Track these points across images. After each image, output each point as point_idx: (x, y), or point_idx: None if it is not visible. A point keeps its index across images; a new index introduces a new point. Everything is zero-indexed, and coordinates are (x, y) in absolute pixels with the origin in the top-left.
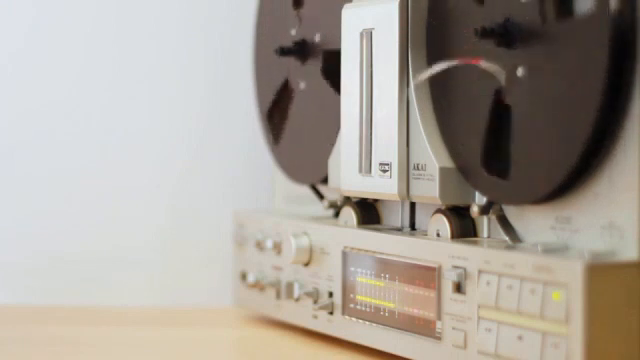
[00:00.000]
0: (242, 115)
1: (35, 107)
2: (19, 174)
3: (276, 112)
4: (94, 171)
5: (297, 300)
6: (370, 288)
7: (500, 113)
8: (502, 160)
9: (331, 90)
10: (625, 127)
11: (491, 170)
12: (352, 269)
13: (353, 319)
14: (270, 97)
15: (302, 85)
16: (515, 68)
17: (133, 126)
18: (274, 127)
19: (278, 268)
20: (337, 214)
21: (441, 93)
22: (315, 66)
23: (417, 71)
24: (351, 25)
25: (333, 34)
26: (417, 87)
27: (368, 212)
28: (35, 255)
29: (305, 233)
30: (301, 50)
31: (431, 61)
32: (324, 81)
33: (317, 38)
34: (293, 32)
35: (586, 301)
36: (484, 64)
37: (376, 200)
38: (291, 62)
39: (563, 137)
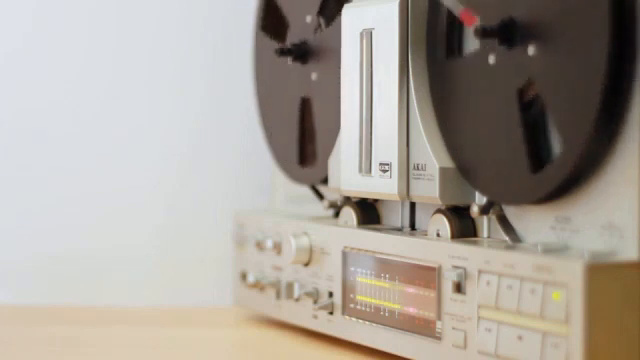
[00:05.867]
0: (242, 115)
1: (35, 107)
2: (19, 174)
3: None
4: (94, 171)
5: (297, 300)
6: (370, 288)
7: (500, 113)
8: (502, 160)
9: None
10: (625, 127)
11: (491, 170)
12: (352, 269)
13: (353, 319)
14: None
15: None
16: (504, 61)
17: (133, 126)
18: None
19: (278, 268)
20: (337, 214)
21: (441, 92)
22: (315, 67)
23: (417, 70)
24: (351, 25)
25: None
26: None
27: (368, 212)
28: (35, 255)
29: (305, 233)
30: (301, 52)
31: (431, 60)
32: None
33: (314, 74)
34: (308, 19)
35: (586, 301)
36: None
37: (376, 200)
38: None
39: (563, 137)
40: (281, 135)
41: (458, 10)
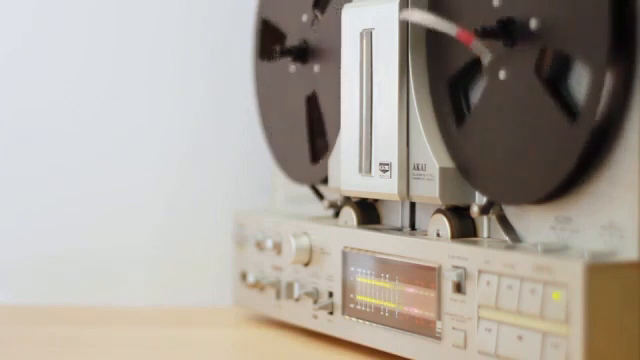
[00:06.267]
0: (242, 115)
1: (35, 106)
2: (19, 173)
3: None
4: (94, 171)
5: (297, 300)
6: (370, 288)
7: (500, 113)
8: (502, 160)
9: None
10: (625, 127)
11: (491, 170)
12: (352, 269)
13: (353, 319)
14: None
15: (294, 69)
16: (514, 67)
17: (133, 126)
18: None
19: (278, 268)
20: (337, 214)
21: (441, 92)
22: (309, 79)
23: (417, 70)
24: (351, 25)
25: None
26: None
27: (368, 212)
28: (35, 255)
29: (305, 233)
30: (302, 53)
31: (431, 60)
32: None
33: (316, 65)
34: (304, 18)
35: (586, 301)
36: (475, 45)
37: (376, 200)
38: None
39: (563, 137)
40: (285, 136)
41: (454, 32)
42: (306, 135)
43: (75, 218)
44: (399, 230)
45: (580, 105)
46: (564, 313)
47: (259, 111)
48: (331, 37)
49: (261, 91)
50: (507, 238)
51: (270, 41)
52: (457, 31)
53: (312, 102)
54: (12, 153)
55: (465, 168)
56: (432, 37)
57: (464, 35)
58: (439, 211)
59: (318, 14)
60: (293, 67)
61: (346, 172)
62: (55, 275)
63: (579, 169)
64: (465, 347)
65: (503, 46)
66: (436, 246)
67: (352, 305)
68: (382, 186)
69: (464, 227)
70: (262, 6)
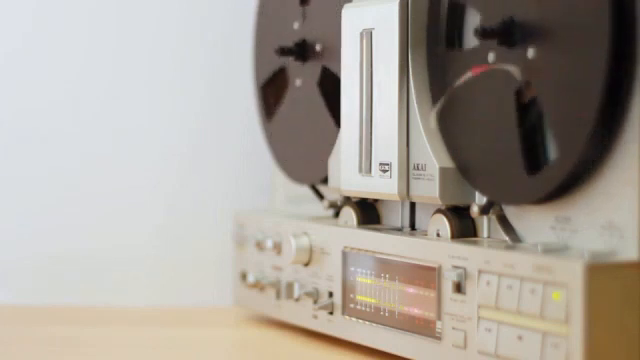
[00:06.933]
0: (242, 115)
1: (35, 106)
2: (19, 173)
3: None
4: (94, 171)
5: (297, 300)
6: (370, 288)
7: (500, 114)
8: (503, 160)
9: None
10: (625, 127)
11: (491, 170)
12: (352, 269)
13: (353, 319)
14: (270, 95)
15: (300, 83)
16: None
17: (133, 126)
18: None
19: (278, 268)
20: (337, 214)
21: (441, 92)
22: (315, 66)
23: (417, 70)
24: (351, 25)
25: (335, 37)
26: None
27: (368, 212)
28: (35, 255)
29: (305, 233)
30: (301, 51)
31: (431, 59)
32: (323, 85)
33: (318, 45)
34: (296, 26)
35: (586, 301)
36: (495, 66)
37: (376, 200)
38: (290, 60)
39: (563, 137)
40: (287, 135)
41: (471, 74)
42: (327, 112)
43: (75, 218)
44: (399, 230)
45: (548, 157)
46: (564, 313)
47: (259, 111)
48: (323, 16)
49: (273, 147)
50: (507, 238)
51: (274, 101)
52: (472, 72)
53: (324, 81)
54: (12, 153)
55: (465, 168)
56: (432, 37)
57: (479, 68)
58: (439, 211)
59: (305, 8)
60: (299, 81)
61: (346, 172)
62: (55, 275)
63: (579, 169)
64: (465, 347)
65: (508, 48)
66: (436, 246)
67: (352, 305)
68: (382, 186)
69: (464, 227)
70: (258, 73)
